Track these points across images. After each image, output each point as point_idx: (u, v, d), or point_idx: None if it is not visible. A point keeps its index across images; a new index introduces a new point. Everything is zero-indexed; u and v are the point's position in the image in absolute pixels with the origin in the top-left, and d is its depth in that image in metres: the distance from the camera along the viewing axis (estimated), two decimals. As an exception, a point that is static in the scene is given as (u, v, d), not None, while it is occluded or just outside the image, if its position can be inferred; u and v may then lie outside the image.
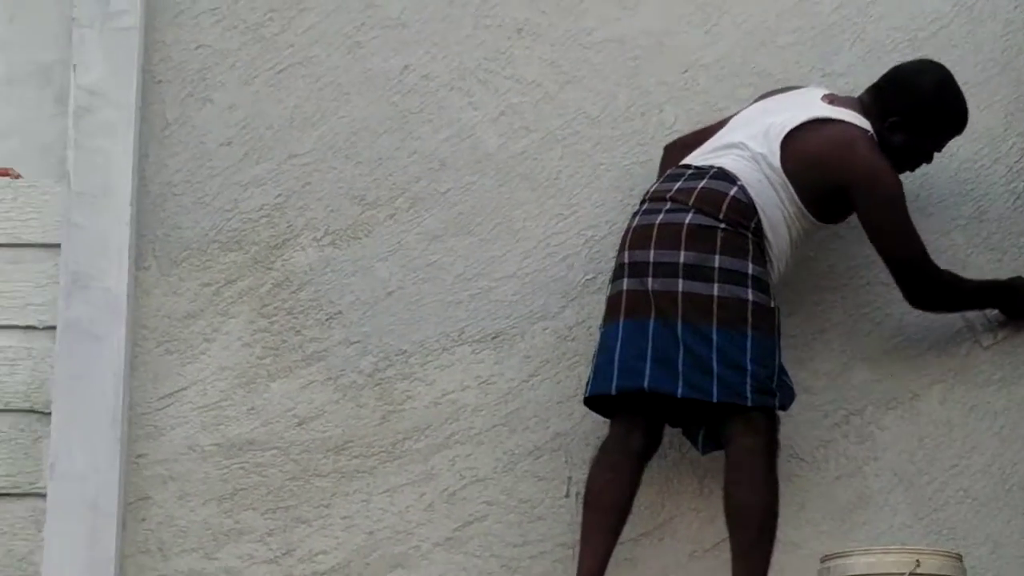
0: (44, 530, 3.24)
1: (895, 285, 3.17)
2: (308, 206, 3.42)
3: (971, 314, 3.34)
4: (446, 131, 3.41)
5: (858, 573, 2.98)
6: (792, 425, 3.16)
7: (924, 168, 3.24)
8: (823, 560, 3.02)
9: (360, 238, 3.37)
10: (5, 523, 3.26)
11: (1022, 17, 3.44)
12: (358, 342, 3.31)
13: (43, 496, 3.26)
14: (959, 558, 2.99)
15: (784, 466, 3.13)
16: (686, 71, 3.36)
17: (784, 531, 3.11)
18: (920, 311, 3.25)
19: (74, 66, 3.43)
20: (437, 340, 3.32)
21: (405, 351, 3.29)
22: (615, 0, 3.43)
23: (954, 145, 3.24)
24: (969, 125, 3.22)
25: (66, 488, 3.25)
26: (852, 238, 3.30)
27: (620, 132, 3.43)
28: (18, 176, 3.44)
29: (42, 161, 3.54)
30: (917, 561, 2.94)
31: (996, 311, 3.33)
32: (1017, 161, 3.37)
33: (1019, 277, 3.30)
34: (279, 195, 3.39)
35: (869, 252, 3.22)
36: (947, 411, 3.23)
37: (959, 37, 3.41)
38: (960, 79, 3.19)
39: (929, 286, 3.16)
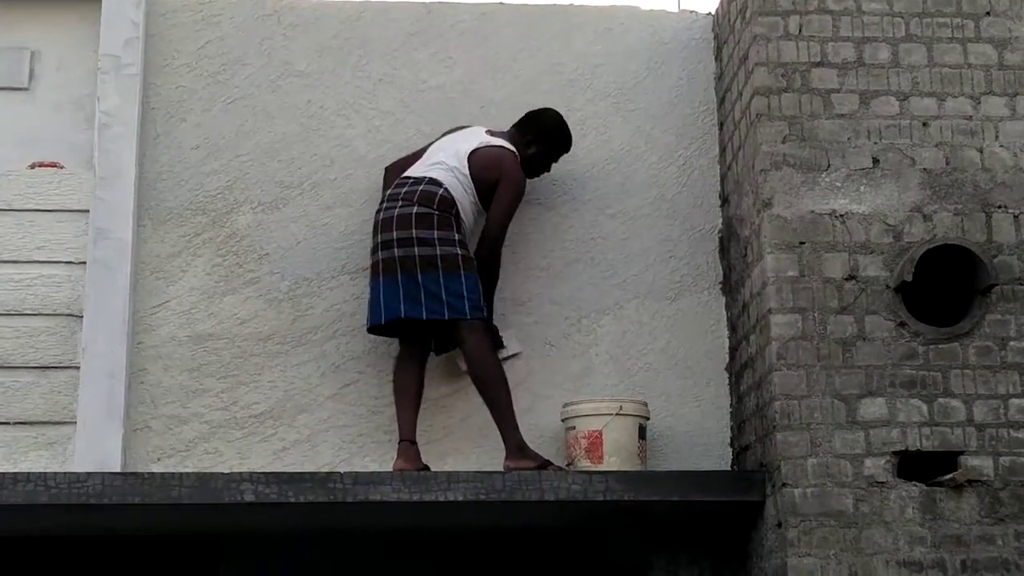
0: (79, 389, 4.24)
1: (613, 252, 4.48)
2: (247, 187, 4.53)
3: None
4: (335, 141, 4.59)
5: (584, 413, 4.15)
6: (547, 324, 4.45)
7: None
8: (564, 406, 4.22)
9: (280, 208, 4.52)
10: (55, 383, 4.28)
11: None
12: (278, 273, 4.45)
13: (77, 368, 4.29)
14: (645, 404, 4.22)
15: (542, 350, 4.41)
16: (482, 107, 4.64)
17: (541, 389, 4.34)
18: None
19: (98, 98, 4.51)
20: (329, 271, 4.46)
21: (309, 278, 4.45)
22: (440, 60, 4.71)
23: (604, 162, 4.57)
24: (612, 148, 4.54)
25: (92, 363, 4.28)
26: (586, 223, 4.54)
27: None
28: (62, 167, 4.49)
29: (78, 158, 4.55)
30: (620, 406, 4.14)
31: None
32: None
33: None
34: (228, 180, 4.52)
35: (596, 235, 4.52)
36: (639, 315, 4.53)
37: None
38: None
39: (491, 245, 4.28)
